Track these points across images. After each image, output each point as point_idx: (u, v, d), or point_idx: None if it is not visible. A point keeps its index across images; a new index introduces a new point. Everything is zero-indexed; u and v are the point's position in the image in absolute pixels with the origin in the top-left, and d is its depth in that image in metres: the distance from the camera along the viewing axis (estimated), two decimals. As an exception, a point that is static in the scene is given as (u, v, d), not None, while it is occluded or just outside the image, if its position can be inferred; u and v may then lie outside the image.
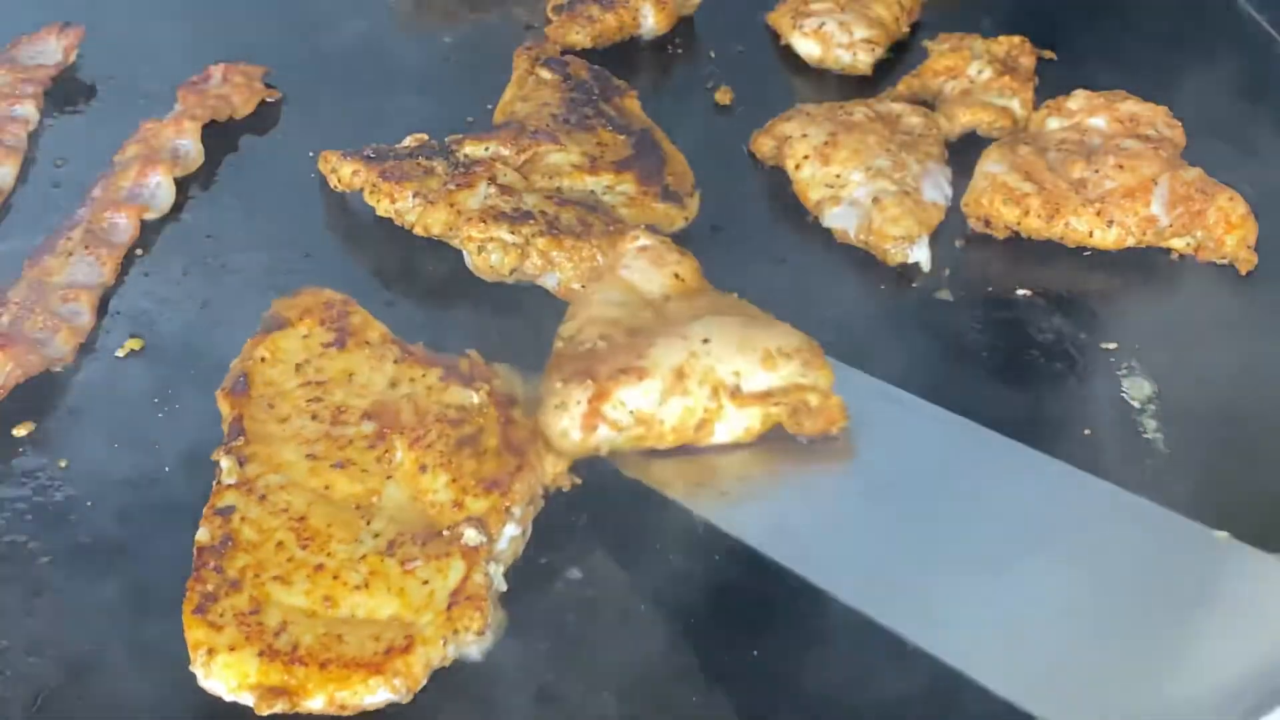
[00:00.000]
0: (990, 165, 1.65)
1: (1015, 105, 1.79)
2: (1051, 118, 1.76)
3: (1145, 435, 1.41)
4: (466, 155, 1.61)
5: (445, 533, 1.17)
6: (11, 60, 1.81)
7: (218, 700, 1.09)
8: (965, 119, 1.77)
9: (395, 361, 1.33)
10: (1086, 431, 1.41)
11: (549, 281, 1.51)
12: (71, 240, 1.54)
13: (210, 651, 1.08)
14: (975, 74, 1.82)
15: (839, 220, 1.63)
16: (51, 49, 1.84)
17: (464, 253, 1.53)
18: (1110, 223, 1.60)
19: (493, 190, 1.54)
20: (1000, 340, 1.52)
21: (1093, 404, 1.44)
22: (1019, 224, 1.61)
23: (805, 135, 1.71)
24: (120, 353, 1.45)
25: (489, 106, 1.79)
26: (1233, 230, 1.59)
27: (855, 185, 1.64)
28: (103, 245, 1.54)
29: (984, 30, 1.92)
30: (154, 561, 1.23)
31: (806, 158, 1.68)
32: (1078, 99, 1.76)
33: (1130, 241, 1.61)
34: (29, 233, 1.57)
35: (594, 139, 1.64)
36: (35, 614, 1.19)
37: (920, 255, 1.59)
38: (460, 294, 1.54)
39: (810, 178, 1.67)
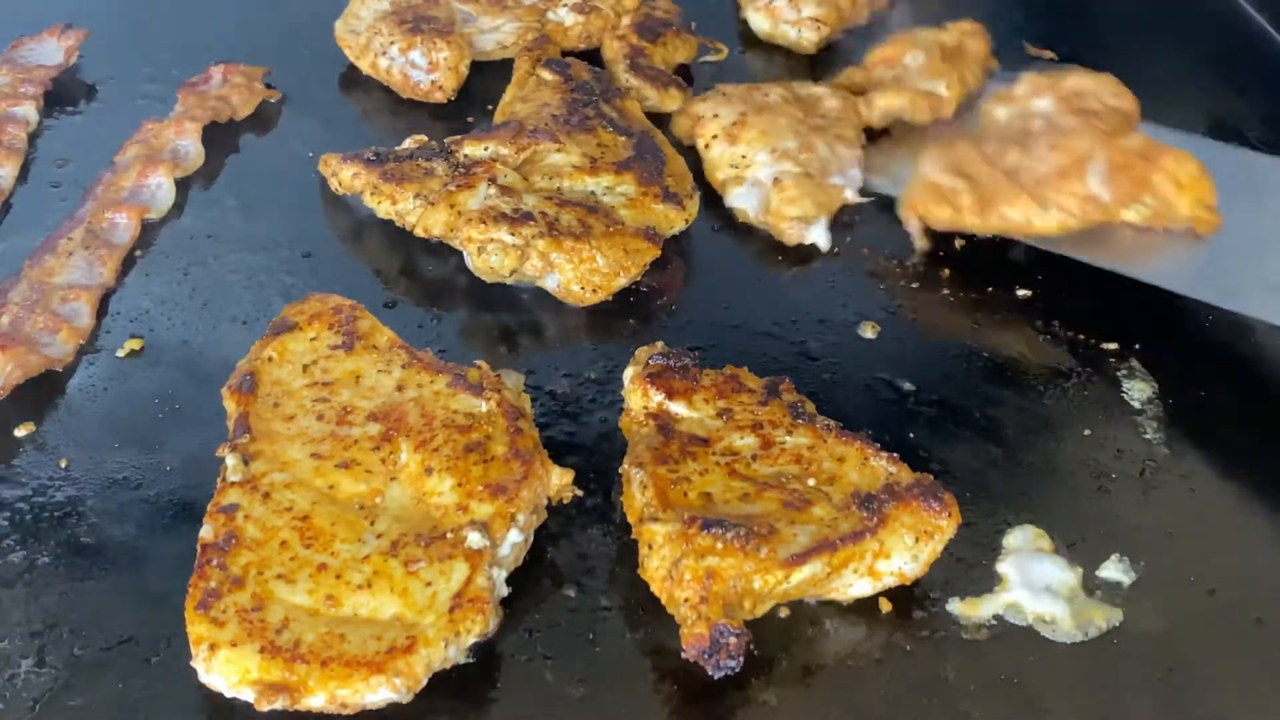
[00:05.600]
0: (924, 167, 1.61)
1: (941, 88, 1.76)
2: (1000, 107, 1.70)
3: (1145, 435, 1.41)
4: (466, 156, 1.61)
5: (449, 535, 1.17)
6: (12, 61, 1.81)
7: (219, 697, 1.09)
8: (882, 104, 1.76)
9: (403, 367, 1.33)
10: (1087, 432, 1.41)
11: (549, 282, 1.51)
12: (72, 240, 1.54)
13: (212, 647, 1.08)
14: (909, 61, 1.81)
15: (740, 200, 1.64)
16: (52, 50, 1.84)
17: (464, 254, 1.53)
18: (1047, 207, 1.54)
19: (493, 191, 1.54)
20: (1000, 340, 1.52)
21: (1093, 404, 1.45)
22: (954, 223, 1.57)
23: (716, 115, 1.71)
24: (120, 353, 1.45)
25: (489, 107, 1.79)
26: (1184, 191, 1.53)
27: (759, 166, 1.64)
28: (103, 245, 1.54)
29: (999, 31, 1.92)
30: (155, 561, 1.24)
31: (715, 137, 1.68)
32: (1024, 84, 1.71)
33: (1073, 223, 1.54)
34: (29, 233, 1.57)
35: (594, 140, 1.64)
36: (36, 614, 1.19)
37: (817, 236, 1.60)
38: (460, 294, 1.54)
39: (718, 157, 1.68)
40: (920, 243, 1.60)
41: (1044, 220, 1.55)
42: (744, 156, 1.66)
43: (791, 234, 1.60)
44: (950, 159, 1.61)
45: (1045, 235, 1.56)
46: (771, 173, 1.63)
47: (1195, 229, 1.55)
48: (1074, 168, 1.55)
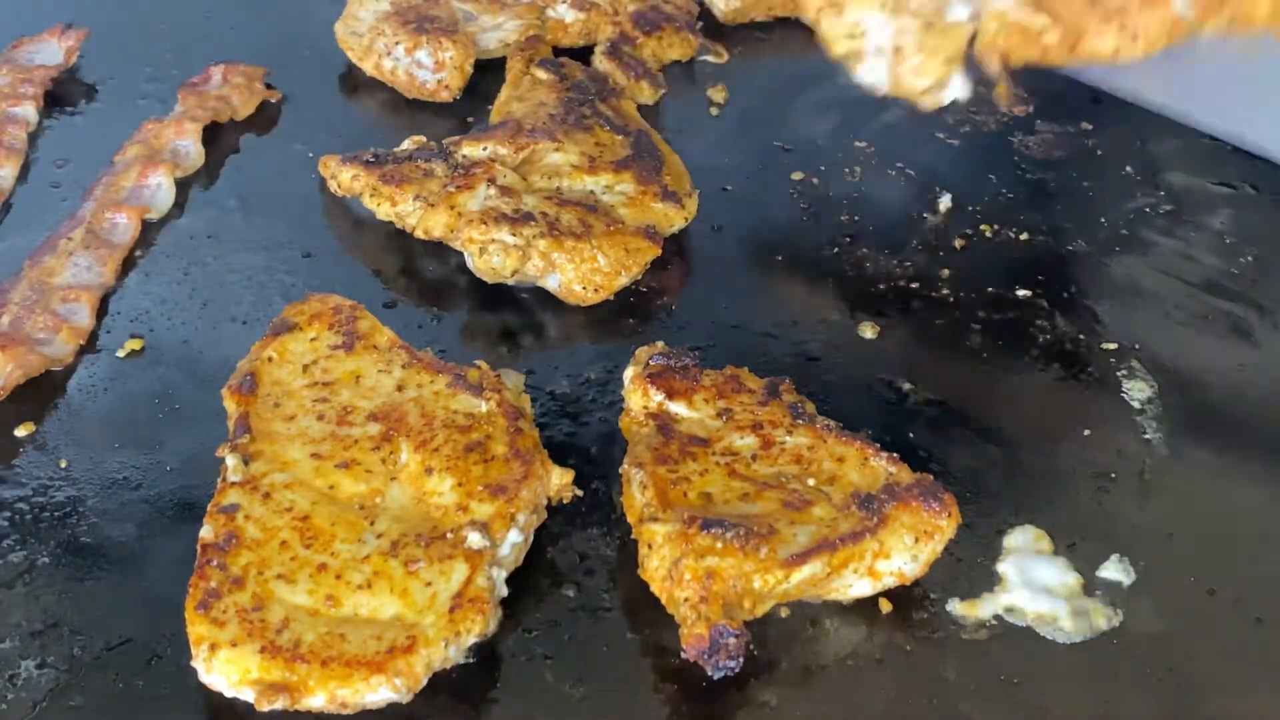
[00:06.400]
0: (997, 3, 1.52)
1: None
2: None
3: (1145, 435, 1.41)
4: (465, 156, 1.61)
5: (449, 535, 1.17)
6: (12, 61, 1.81)
7: (219, 697, 1.09)
8: None
9: (403, 367, 1.33)
10: (1087, 432, 1.41)
11: (551, 282, 1.51)
12: (72, 240, 1.54)
13: (212, 647, 1.08)
14: None
15: (869, 77, 1.54)
16: (52, 50, 1.84)
17: (465, 254, 1.53)
18: (1135, 37, 1.49)
19: (493, 192, 1.54)
20: (1000, 340, 1.52)
21: (1093, 404, 1.45)
22: (1040, 59, 1.51)
23: None
24: (120, 353, 1.45)
25: (488, 107, 1.79)
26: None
27: (874, 31, 1.54)
28: (103, 245, 1.54)
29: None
30: (154, 561, 1.24)
31: (821, 9, 1.57)
32: None
33: (1159, 49, 1.50)
34: (29, 233, 1.57)
35: (592, 139, 1.64)
36: (36, 614, 1.19)
37: (957, 91, 1.52)
38: (460, 294, 1.54)
39: (830, 31, 1.57)
40: (1002, 88, 1.55)
41: (1132, 49, 1.51)
42: (855, 24, 1.55)
43: (930, 103, 1.52)
44: None
45: (1130, 61, 1.52)
46: (889, 34, 1.52)
47: (1275, 35, 1.51)
48: None
